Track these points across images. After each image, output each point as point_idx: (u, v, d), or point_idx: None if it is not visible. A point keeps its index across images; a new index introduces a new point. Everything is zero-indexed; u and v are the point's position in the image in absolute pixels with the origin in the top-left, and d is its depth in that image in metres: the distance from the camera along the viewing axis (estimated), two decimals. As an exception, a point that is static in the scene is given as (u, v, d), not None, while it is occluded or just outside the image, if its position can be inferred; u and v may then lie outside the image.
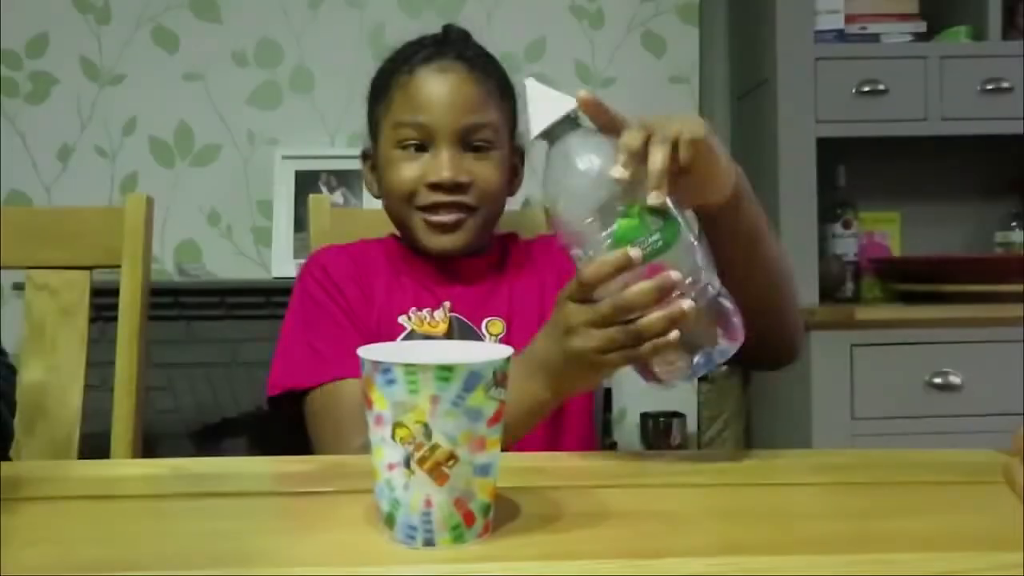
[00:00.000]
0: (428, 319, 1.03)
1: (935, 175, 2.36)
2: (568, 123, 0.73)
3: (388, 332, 1.01)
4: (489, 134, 1.03)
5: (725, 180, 0.79)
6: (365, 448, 0.86)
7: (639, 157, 0.69)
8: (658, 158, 0.69)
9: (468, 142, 1.02)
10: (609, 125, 0.75)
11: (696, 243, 0.71)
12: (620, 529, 0.58)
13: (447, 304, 1.04)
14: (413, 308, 1.04)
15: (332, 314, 1.02)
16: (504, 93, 1.07)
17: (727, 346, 0.72)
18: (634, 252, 0.68)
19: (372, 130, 1.10)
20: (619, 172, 0.69)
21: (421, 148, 1.02)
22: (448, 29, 1.10)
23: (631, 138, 0.70)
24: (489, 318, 1.04)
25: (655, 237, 0.69)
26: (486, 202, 1.04)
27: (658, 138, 0.70)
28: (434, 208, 1.02)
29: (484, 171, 1.03)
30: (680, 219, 0.70)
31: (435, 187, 1.01)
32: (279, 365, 1.02)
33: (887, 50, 2.14)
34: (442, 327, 1.03)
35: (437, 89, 1.02)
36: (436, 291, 1.06)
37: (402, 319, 1.03)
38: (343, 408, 0.94)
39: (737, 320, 0.72)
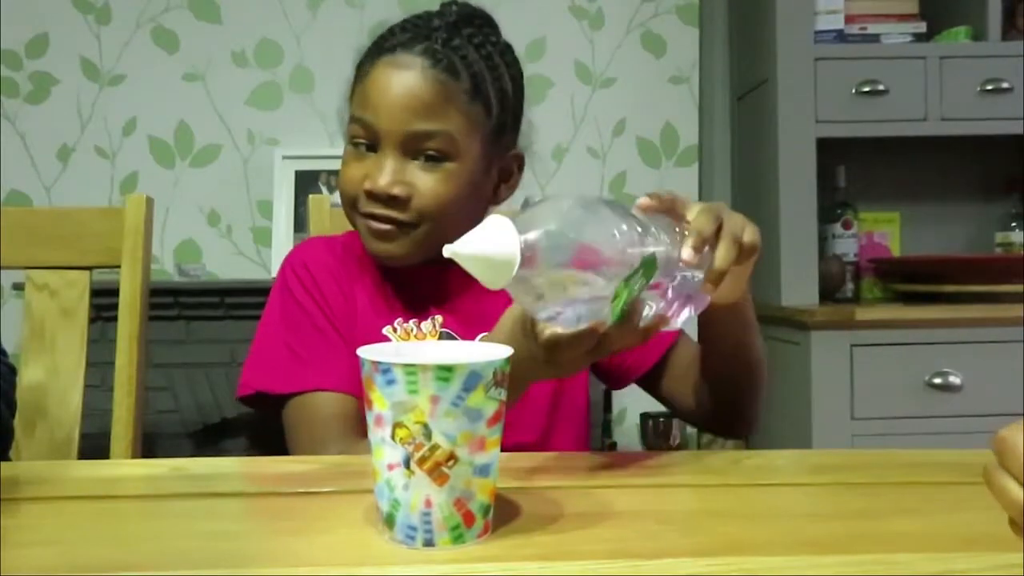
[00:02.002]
0: (415, 332, 0.97)
1: (935, 175, 2.36)
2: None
3: (372, 341, 0.97)
4: (442, 143, 0.92)
5: (743, 287, 0.82)
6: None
7: (709, 242, 0.70)
8: (726, 256, 0.71)
9: (418, 150, 0.93)
10: (669, 208, 0.73)
11: (667, 246, 0.69)
12: (620, 529, 0.58)
13: (438, 318, 0.98)
14: (399, 319, 0.98)
15: (312, 317, 0.97)
16: (480, 94, 0.95)
17: (692, 314, 0.75)
18: (636, 317, 0.68)
19: None
20: (688, 254, 0.68)
21: (371, 148, 0.94)
22: (444, 8, 1.00)
23: (706, 224, 0.70)
24: (484, 335, 0.97)
25: (639, 283, 0.67)
26: (426, 219, 0.94)
27: (728, 234, 0.71)
28: (371, 215, 0.95)
29: (429, 184, 0.93)
30: (654, 247, 0.68)
31: (371, 195, 0.94)
32: (253, 364, 0.98)
33: (887, 50, 2.14)
34: (429, 341, 0.97)
35: (387, 87, 0.92)
36: (426, 302, 1.00)
37: (387, 330, 0.97)
38: (318, 422, 0.92)
39: (702, 293, 0.74)
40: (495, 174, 1.00)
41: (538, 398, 0.99)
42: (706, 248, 0.70)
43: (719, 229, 0.72)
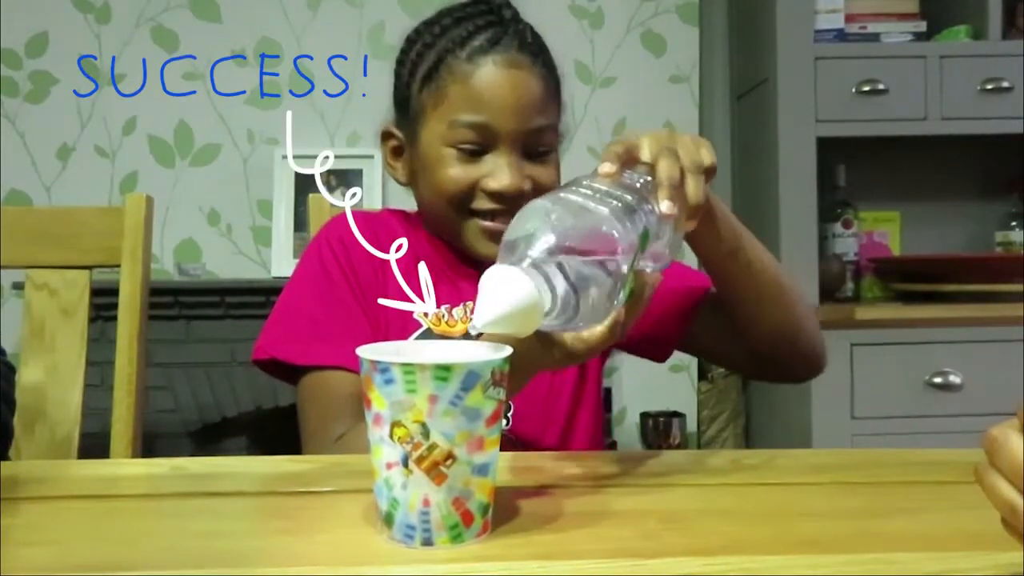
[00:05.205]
0: (447, 318, 0.95)
1: (935, 175, 2.37)
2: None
3: (400, 326, 0.93)
4: (551, 137, 0.96)
5: (706, 191, 0.79)
6: (342, 442, 0.86)
7: (679, 186, 0.70)
8: (698, 190, 0.71)
9: (531, 146, 0.94)
10: (625, 162, 0.73)
11: (646, 208, 0.68)
12: (620, 529, 0.57)
13: (470, 304, 0.96)
14: (431, 304, 0.98)
15: (341, 293, 0.95)
16: (558, 84, 0.99)
17: (676, 245, 0.75)
18: (643, 288, 0.69)
19: (408, 112, 0.99)
20: (667, 206, 0.68)
21: (478, 151, 0.94)
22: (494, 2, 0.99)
23: (672, 170, 0.70)
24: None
25: (638, 258, 0.67)
26: None
27: (691, 167, 0.71)
28: (491, 214, 0.94)
29: (544, 175, 0.95)
30: (641, 218, 0.67)
31: (493, 195, 0.93)
32: (273, 330, 0.96)
33: (887, 50, 2.14)
34: (460, 328, 0.93)
35: (503, 87, 0.92)
36: (459, 287, 0.97)
37: (418, 315, 0.96)
38: (331, 398, 0.90)
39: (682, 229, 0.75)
40: None
41: (561, 394, 1.00)
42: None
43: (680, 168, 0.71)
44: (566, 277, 0.60)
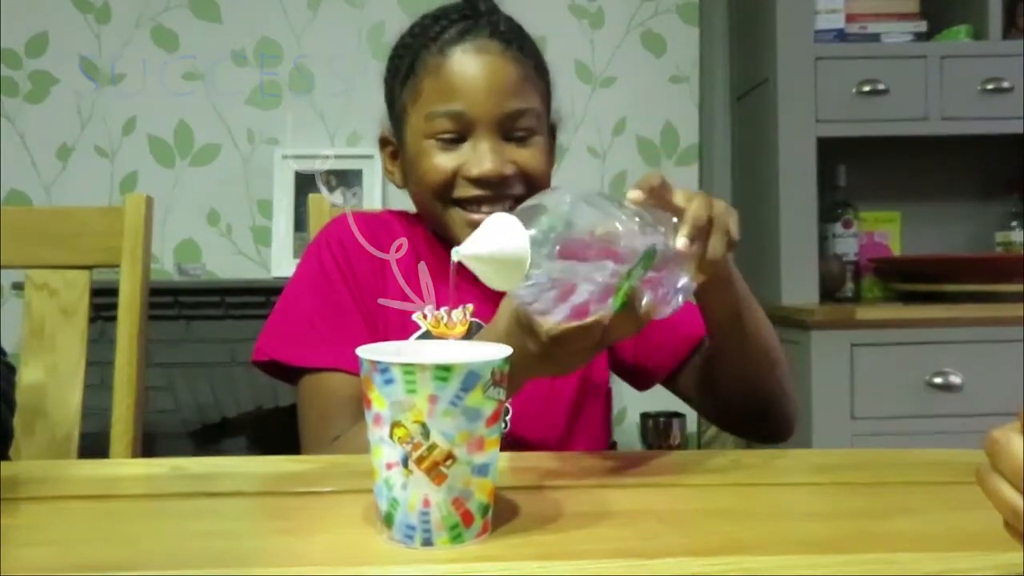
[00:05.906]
0: (445, 320, 0.98)
1: (935, 175, 2.36)
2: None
3: (400, 327, 0.94)
4: (531, 120, 0.95)
5: (721, 264, 0.80)
6: (340, 443, 0.87)
7: (703, 233, 0.71)
8: (718, 248, 0.72)
9: (511, 129, 0.94)
10: (657, 197, 0.73)
11: (663, 236, 0.69)
12: (620, 529, 0.58)
13: (469, 307, 0.97)
14: (430, 306, 0.99)
15: (339, 296, 0.96)
16: (540, 71, 0.99)
17: (681, 301, 0.74)
18: (636, 305, 0.68)
19: (394, 114, 1.01)
20: (684, 244, 0.69)
21: (458, 139, 0.94)
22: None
23: (701, 214, 0.71)
24: (480, 332, 0.96)
25: (638, 274, 0.67)
26: (533, 191, 0.91)
27: (720, 224, 0.72)
28: (475, 203, 0.94)
29: (527, 157, 0.95)
30: (653, 237, 0.68)
31: (476, 181, 0.93)
32: (272, 331, 0.97)
33: (887, 50, 2.13)
34: (460, 330, 0.96)
35: (474, 73, 0.93)
36: (459, 288, 0.98)
37: (416, 316, 0.95)
38: (330, 400, 0.91)
39: (691, 281, 0.74)
40: None
41: (562, 398, 1.00)
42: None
43: (709, 218, 0.72)
44: (560, 255, 0.60)
